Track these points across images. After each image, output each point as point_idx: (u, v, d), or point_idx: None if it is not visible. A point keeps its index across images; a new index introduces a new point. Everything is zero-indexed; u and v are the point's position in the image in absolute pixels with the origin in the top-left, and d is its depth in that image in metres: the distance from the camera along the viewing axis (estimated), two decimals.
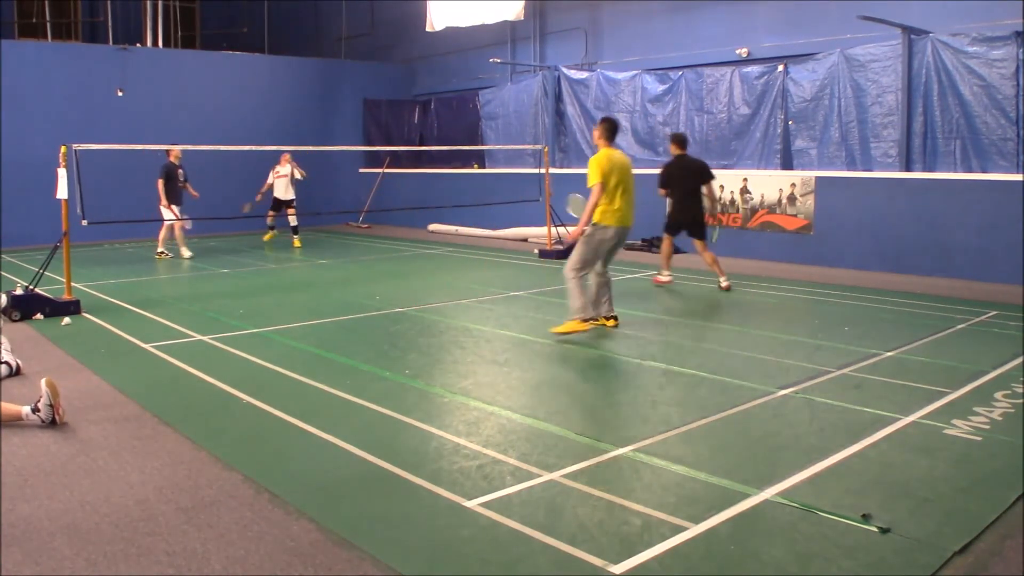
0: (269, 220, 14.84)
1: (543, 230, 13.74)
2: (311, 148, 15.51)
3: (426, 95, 19.91)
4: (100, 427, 4.77)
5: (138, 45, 17.80)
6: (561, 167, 15.93)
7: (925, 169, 11.32)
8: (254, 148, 12.71)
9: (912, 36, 11.22)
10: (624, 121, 15.08)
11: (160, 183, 12.45)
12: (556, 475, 3.98)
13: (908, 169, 11.40)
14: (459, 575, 3.08)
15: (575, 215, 8.80)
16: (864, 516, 3.47)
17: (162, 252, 13.04)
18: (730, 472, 4.00)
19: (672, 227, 9.87)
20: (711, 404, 5.16)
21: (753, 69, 13.14)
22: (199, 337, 7.15)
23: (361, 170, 19.64)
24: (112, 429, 4.74)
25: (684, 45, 14.54)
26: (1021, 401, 5.17)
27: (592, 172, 6.85)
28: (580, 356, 6.63)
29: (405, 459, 4.20)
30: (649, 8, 15.10)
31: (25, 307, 7.95)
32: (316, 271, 11.79)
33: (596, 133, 7.22)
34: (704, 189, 9.63)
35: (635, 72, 14.82)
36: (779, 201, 12.44)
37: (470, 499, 3.69)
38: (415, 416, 4.92)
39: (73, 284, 8.78)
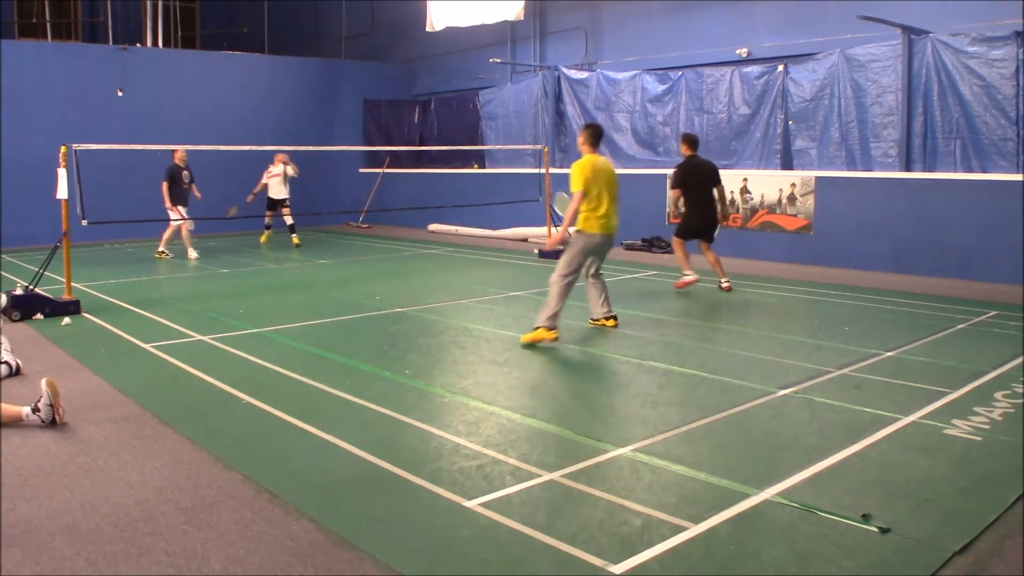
0: (267, 219, 14.88)
1: (543, 230, 13.75)
2: (311, 148, 15.51)
3: (426, 95, 19.91)
4: (100, 427, 4.77)
5: (138, 45, 17.79)
6: (561, 167, 15.90)
7: (925, 169, 11.32)
8: (254, 148, 12.73)
9: (912, 36, 11.22)
10: (624, 121, 15.11)
11: (164, 185, 12.47)
12: (556, 475, 3.97)
13: (908, 169, 11.40)
14: (459, 575, 3.09)
15: (562, 213, 8.76)
16: (864, 516, 3.47)
17: (163, 252, 13.03)
18: (730, 472, 4.00)
19: (685, 231, 9.56)
20: (711, 404, 5.16)
21: (753, 69, 13.15)
22: (199, 337, 7.15)
23: (361, 170, 19.65)
24: (112, 429, 4.74)
25: (684, 45, 14.54)
26: (1021, 401, 5.17)
27: (574, 178, 6.84)
28: (580, 356, 6.63)
29: (405, 459, 4.20)
30: (649, 8, 15.10)
31: (25, 307, 7.95)
32: (316, 271, 11.79)
33: (580, 139, 7.17)
34: (715, 191, 9.49)
35: (635, 72, 14.83)
36: (779, 201, 12.44)
37: (470, 499, 3.69)
38: (415, 416, 4.92)
39: (73, 284, 8.78)
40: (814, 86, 12.36)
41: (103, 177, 13.09)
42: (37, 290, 8.26)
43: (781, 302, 9.10)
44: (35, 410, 4.75)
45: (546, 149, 14.36)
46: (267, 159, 14.52)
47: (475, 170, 17.72)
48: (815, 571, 3.08)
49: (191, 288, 10.51)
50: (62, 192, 8.32)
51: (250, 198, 14.48)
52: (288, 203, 14.49)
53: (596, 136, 7.12)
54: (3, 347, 5.95)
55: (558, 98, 16.30)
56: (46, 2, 20.01)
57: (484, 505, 3.63)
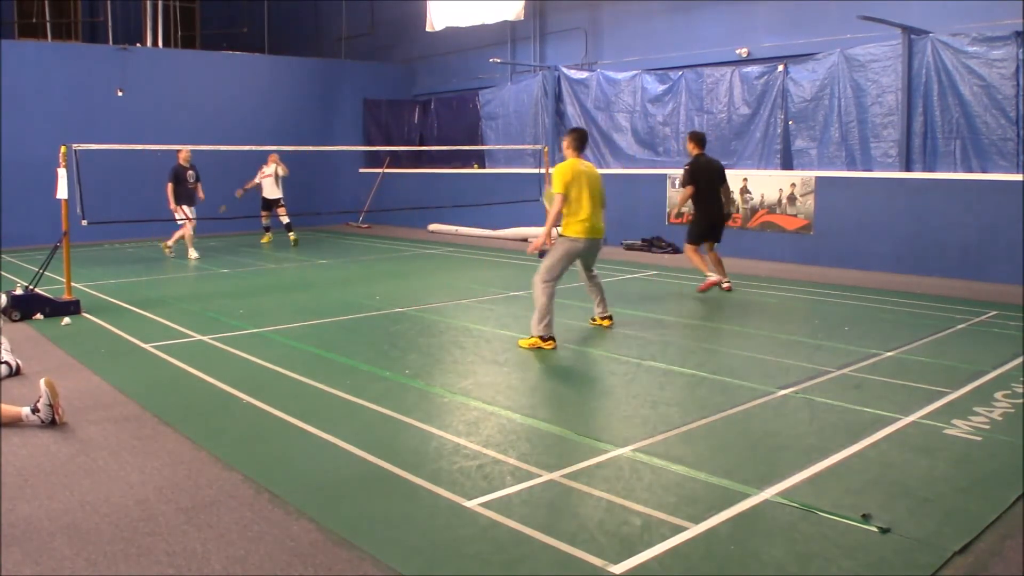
0: (264, 221, 14.93)
1: (543, 230, 13.73)
2: (311, 148, 15.51)
3: (426, 95, 19.91)
4: (100, 427, 4.77)
5: (138, 45, 17.80)
6: None
7: (925, 169, 11.32)
8: (254, 148, 12.73)
9: (912, 36, 11.22)
10: (624, 121, 15.11)
11: (169, 186, 12.49)
12: (556, 475, 3.97)
13: (908, 169, 11.40)
14: (459, 575, 3.09)
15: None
16: (864, 516, 3.47)
17: (169, 247, 13.18)
18: (730, 472, 4.00)
19: (696, 236, 9.36)
20: (711, 404, 5.16)
21: (753, 69, 13.15)
22: (199, 337, 7.15)
23: (361, 170, 19.65)
24: (112, 429, 4.74)
25: (684, 45, 14.54)
26: (1021, 401, 5.17)
27: (555, 181, 6.85)
28: (580, 356, 6.63)
29: (405, 459, 4.20)
30: (649, 8, 15.10)
31: (25, 307, 7.94)
32: (316, 271, 11.79)
33: (565, 143, 7.16)
34: (721, 191, 9.37)
35: (635, 72, 14.83)
36: (779, 201, 12.44)
37: (470, 499, 3.69)
38: (415, 416, 4.92)
39: (73, 284, 8.79)
40: (814, 86, 12.36)
41: (103, 177, 13.10)
42: (37, 290, 8.27)
43: (781, 302, 9.10)
44: (34, 410, 4.75)
45: (546, 149, 14.37)
46: (267, 159, 14.57)
47: (475, 170, 17.72)
48: (815, 571, 3.08)
49: (191, 288, 10.51)
50: (62, 192, 8.32)
51: (239, 193, 14.48)
52: (282, 202, 14.56)
53: (580, 140, 7.11)
54: (3, 347, 5.95)
55: (558, 98, 16.30)
56: (46, 2, 20.01)
57: (484, 505, 3.63)
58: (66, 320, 7.89)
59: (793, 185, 12.24)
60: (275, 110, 18.27)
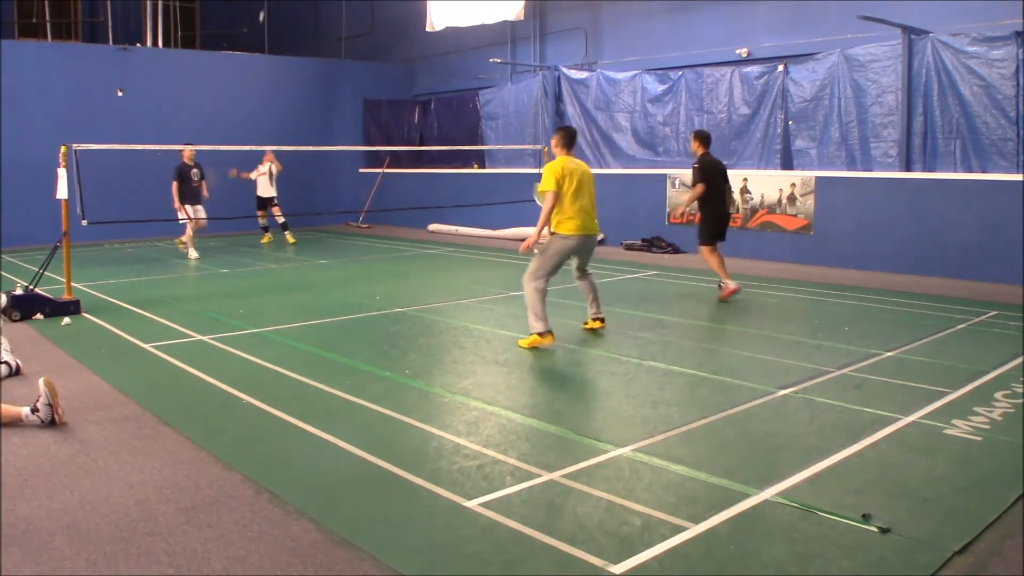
0: (261, 221, 14.96)
1: (543, 230, 13.72)
2: (311, 148, 15.50)
3: (426, 95, 19.91)
4: (100, 427, 4.77)
5: (138, 45, 17.80)
6: None
7: (925, 169, 11.33)
8: (254, 148, 12.73)
9: (912, 36, 11.22)
10: (624, 121, 15.11)
11: (174, 185, 12.51)
12: (556, 475, 3.97)
13: (908, 169, 11.40)
14: (459, 575, 3.09)
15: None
16: (864, 516, 3.47)
17: (183, 242, 13.39)
18: (730, 472, 4.00)
19: (708, 237, 9.19)
20: (711, 404, 5.16)
21: (753, 69, 13.15)
22: (199, 337, 7.15)
23: (361, 170, 19.65)
24: (112, 429, 4.74)
25: (684, 45, 14.54)
26: (1021, 401, 5.17)
27: (545, 179, 6.86)
28: (580, 356, 6.63)
29: (405, 459, 4.20)
30: (649, 8, 15.10)
31: (25, 307, 7.94)
32: (316, 271, 11.79)
33: (554, 141, 7.14)
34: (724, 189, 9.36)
35: (635, 72, 14.83)
36: (779, 201, 12.44)
37: (470, 499, 3.69)
38: (415, 416, 4.92)
39: (73, 284, 8.79)
40: (814, 86, 12.36)
41: (103, 177, 13.09)
42: (37, 290, 8.26)
43: (781, 302, 9.10)
44: (34, 410, 4.75)
45: (546, 149, 14.32)
46: (262, 157, 14.61)
47: (475, 170, 17.72)
48: (815, 571, 3.08)
49: (191, 288, 10.51)
50: (62, 192, 8.32)
51: (232, 173, 14.39)
52: (276, 201, 14.58)
53: (569, 138, 7.10)
54: (3, 347, 5.95)
55: (558, 98, 16.30)
56: (46, 2, 20.02)
57: (484, 505, 3.63)
58: (66, 320, 7.89)
59: (793, 185, 12.24)
60: (275, 110, 18.27)
